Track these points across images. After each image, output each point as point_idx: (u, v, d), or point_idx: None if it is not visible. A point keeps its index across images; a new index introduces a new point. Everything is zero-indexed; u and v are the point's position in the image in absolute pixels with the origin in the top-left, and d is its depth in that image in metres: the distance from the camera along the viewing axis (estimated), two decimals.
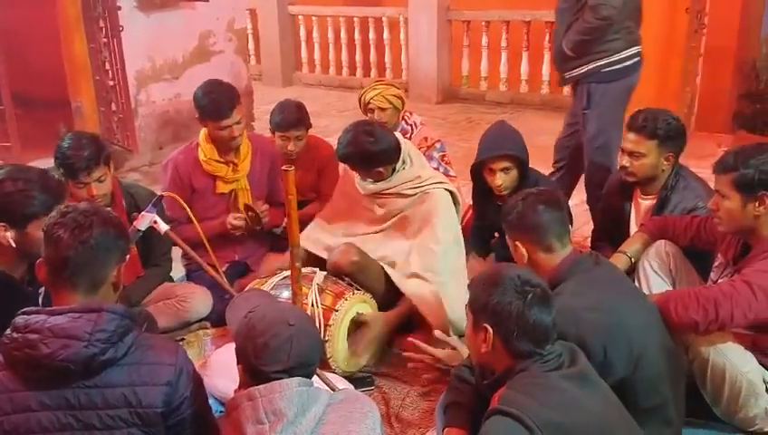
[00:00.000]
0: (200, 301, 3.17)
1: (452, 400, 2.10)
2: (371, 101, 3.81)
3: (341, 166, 3.48)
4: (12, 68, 5.31)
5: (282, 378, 1.70)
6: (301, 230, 3.54)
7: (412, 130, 3.94)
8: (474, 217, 3.58)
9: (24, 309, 1.76)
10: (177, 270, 3.55)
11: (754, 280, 2.20)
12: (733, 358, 2.27)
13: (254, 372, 1.71)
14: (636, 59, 3.66)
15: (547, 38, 7.14)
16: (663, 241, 2.72)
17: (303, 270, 3.03)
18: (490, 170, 3.10)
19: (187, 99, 6.11)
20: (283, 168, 2.18)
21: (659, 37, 6.01)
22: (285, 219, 3.65)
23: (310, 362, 1.79)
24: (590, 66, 3.63)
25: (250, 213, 3.38)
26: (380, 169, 3.05)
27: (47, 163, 5.22)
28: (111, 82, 5.37)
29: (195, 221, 2.58)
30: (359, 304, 2.88)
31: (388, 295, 3.07)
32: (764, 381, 2.32)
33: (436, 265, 3.02)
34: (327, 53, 9.05)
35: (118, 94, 5.35)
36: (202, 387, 1.89)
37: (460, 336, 2.65)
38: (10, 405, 1.67)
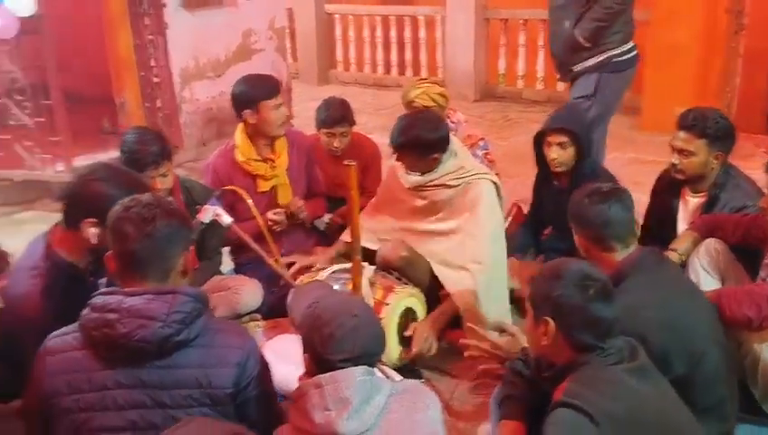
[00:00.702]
0: (251, 293, 3.23)
1: (507, 393, 2.13)
2: (415, 99, 3.85)
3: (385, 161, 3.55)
4: (58, 64, 5.46)
5: (347, 367, 1.75)
6: (344, 227, 3.67)
7: (456, 127, 3.99)
8: (530, 206, 3.62)
9: (102, 290, 1.84)
10: (226, 264, 3.63)
11: None
12: None
13: (321, 361, 1.77)
14: (636, 51, 4.04)
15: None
16: (712, 239, 2.73)
17: (349, 264, 3.11)
18: (548, 144, 3.19)
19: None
20: (345, 162, 2.23)
21: (700, 37, 6.00)
22: (328, 214, 3.79)
23: (373, 351, 1.84)
24: (603, 56, 3.91)
25: (287, 211, 3.45)
26: (436, 156, 3.08)
27: (93, 158, 5.38)
28: (156, 79, 5.47)
29: (257, 213, 2.63)
30: (408, 297, 2.93)
31: (435, 289, 3.11)
32: None
33: (478, 254, 3.05)
34: (363, 51, 9.10)
35: (163, 91, 5.45)
36: (268, 370, 1.95)
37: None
38: (87, 384, 1.74)
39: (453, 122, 3.99)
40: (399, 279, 3.01)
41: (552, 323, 1.81)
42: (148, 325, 1.71)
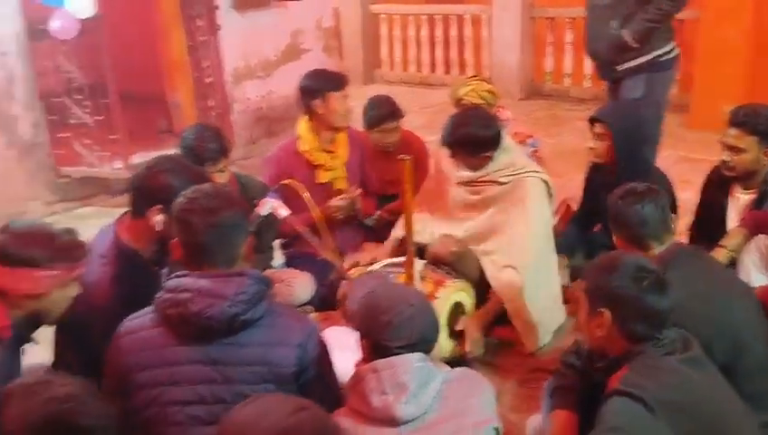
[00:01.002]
0: (304, 286, 3.32)
1: (559, 383, 2.15)
2: (464, 96, 3.89)
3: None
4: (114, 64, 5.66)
5: (403, 353, 1.81)
6: (394, 222, 3.73)
7: (504, 125, 4.01)
8: (580, 202, 3.65)
9: (176, 272, 1.93)
10: (276, 258, 3.72)
11: None
12: None
13: (379, 347, 1.83)
14: (678, 50, 4.06)
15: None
16: (763, 235, 2.72)
17: (401, 259, 3.16)
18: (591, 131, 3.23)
19: (279, 95, 6.41)
20: (399, 157, 2.28)
21: (750, 34, 5.92)
22: (378, 212, 3.85)
23: (429, 338, 1.90)
24: (650, 56, 3.89)
25: (346, 198, 3.52)
26: (488, 154, 3.12)
27: (149, 156, 5.54)
28: (209, 79, 5.63)
29: (313, 206, 2.71)
30: (457, 291, 2.96)
31: (484, 284, 3.14)
32: None
33: (525, 252, 3.07)
34: (408, 50, 9.14)
35: (215, 91, 5.60)
36: (327, 354, 2.03)
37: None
38: (160, 360, 1.84)
39: (501, 120, 4.01)
40: (449, 274, 3.04)
41: (607, 314, 1.83)
42: (217, 304, 1.81)
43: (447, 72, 8.82)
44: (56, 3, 4.44)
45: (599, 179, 3.46)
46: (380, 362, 1.79)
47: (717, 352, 1.98)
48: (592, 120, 3.21)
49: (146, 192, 2.29)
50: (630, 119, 3.25)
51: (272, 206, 2.48)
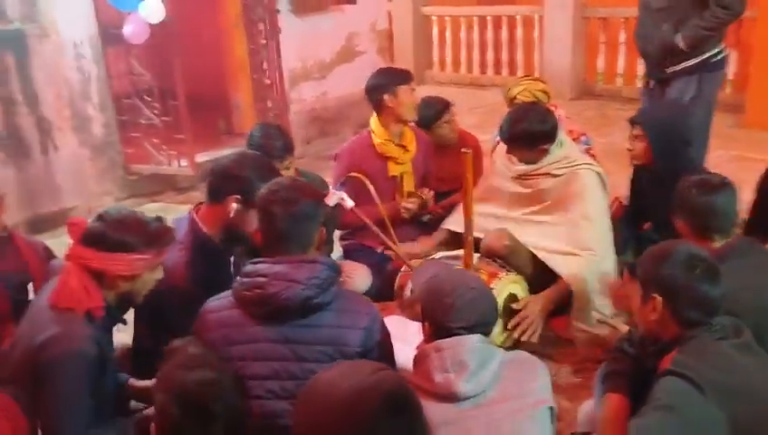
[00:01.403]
0: (362, 277, 3.46)
1: (612, 368, 2.21)
2: (518, 95, 3.99)
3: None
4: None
5: (464, 334, 1.93)
6: (444, 217, 3.85)
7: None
8: (629, 200, 3.71)
9: (252, 260, 2.09)
10: (335, 250, 3.88)
11: None
12: None
13: (441, 328, 1.94)
14: (727, 50, 4.13)
15: None
16: None
17: (456, 252, 3.28)
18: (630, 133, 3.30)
19: (333, 96, 6.61)
20: (462, 150, 2.40)
21: None
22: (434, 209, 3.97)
23: (488, 321, 2.01)
24: (701, 58, 3.93)
25: (417, 198, 3.66)
26: (545, 147, 3.21)
27: (213, 155, 5.78)
28: (268, 81, 5.83)
29: (378, 200, 2.84)
30: (511, 284, 3.05)
31: (537, 277, 3.21)
32: None
33: (587, 241, 3.14)
34: (459, 52, 9.22)
35: (274, 92, 5.80)
36: (389, 338, 2.16)
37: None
38: (241, 336, 2.01)
39: None
40: (503, 267, 3.15)
41: (659, 299, 1.90)
42: (293, 287, 1.96)
43: (498, 72, 8.88)
44: (129, 8, 4.68)
45: (645, 179, 3.52)
46: (444, 342, 1.91)
47: (766, 338, 2.03)
48: (631, 122, 3.28)
49: (227, 181, 2.47)
50: (668, 120, 3.28)
51: (339, 197, 2.62)
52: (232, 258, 2.68)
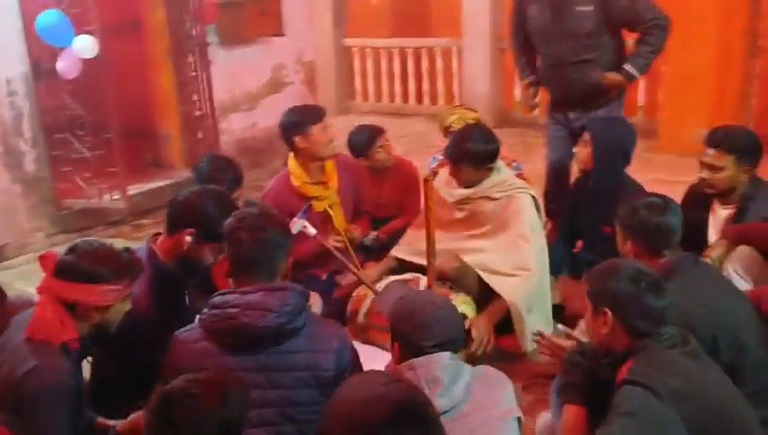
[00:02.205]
0: (314, 305, 3.48)
1: (567, 381, 2.32)
2: (453, 123, 4.17)
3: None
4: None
5: (435, 352, 2.01)
6: (390, 243, 3.96)
7: None
8: (564, 220, 3.93)
9: (220, 291, 2.12)
10: None
11: None
12: None
13: (413, 347, 2.01)
14: None
15: None
16: (745, 247, 2.94)
17: (406, 275, 3.39)
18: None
19: (262, 127, 6.63)
20: (424, 177, 2.50)
21: (716, 60, 6.23)
22: (373, 232, 4.06)
23: (457, 338, 2.09)
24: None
25: (347, 236, 3.70)
26: (490, 166, 3.35)
27: (143, 187, 5.69)
28: (199, 112, 5.81)
29: (339, 228, 2.87)
30: (462, 304, 3.17)
31: (483, 297, 3.36)
32: None
33: (525, 261, 3.31)
34: (380, 82, 9.43)
35: (205, 124, 5.78)
36: (359, 358, 2.23)
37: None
38: (213, 368, 2.01)
39: None
40: (452, 288, 3.27)
41: (609, 313, 2.04)
42: (267, 315, 2.00)
43: (420, 102, 9.15)
44: (62, 43, 4.60)
45: (580, 197, 3.74)
46: (416, 361, 1.98)
47: (722, 351, 2.19)
48: (581, 128, 3.50)
49: (185, 213, 2.50)
50: (616, 132, 3.51)
51: (302, 225, 2.68)
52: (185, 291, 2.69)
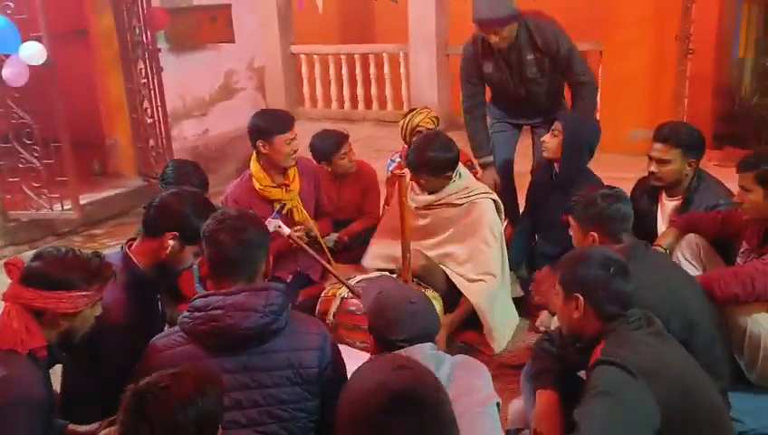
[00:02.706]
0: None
1: (540, 367, 2.44)
2: (421, 123, 4.25)
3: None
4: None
5: (405, 346, 2.06)
6: (352, 244, 4.01)
7: None
8: (523, 214, 4.06)
9: (201, 293, 2.13)
10: None
11: None
12: (767, 326, 2.68)
13: (384, 341, 2.08)
14: None
15: None
16: (692, 234, 3.12)
17: (375, 274, 3.45)
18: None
19: (215, 133, 6.60)
20: (397, 172, 2.56)
21: (651, 63, 6.55)
22: (334, 233, 4.10)
23: (429, 332, 2.14)
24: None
25: (303, 229, 3.69)
26: (449, 174, 3.44)
27: (92, 197, 5.57)
28: (150, 120, 5.73)
29: (312, 223, 2.90)
30: (432, 299, 3.24)
31: (449, 295, 3.46)
32: None
33: (489, 266, 3.42)
34: (329, 88, 9.46)
35: (157, 131, 5.70)
36: (340, 354, 2.25)
37: None
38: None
39: None
40: (420, 285, 3.34)
41: (581, 298, 2.14)
42: (251, 316, 2.01)
43: (369, 107, 9.21)
44: (8, 50, 4.48)
45: (540, 189, 3.87)
46: (402, 352, 2.03)
47: (674, 330, 2.31)
48: (554, 118, 3.66)
49: (166, 217, 2.48)
50: (586, 126, 3.64)
51: (276, 225, 2.69)
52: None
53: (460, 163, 3.59)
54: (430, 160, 3.40)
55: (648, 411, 1.87)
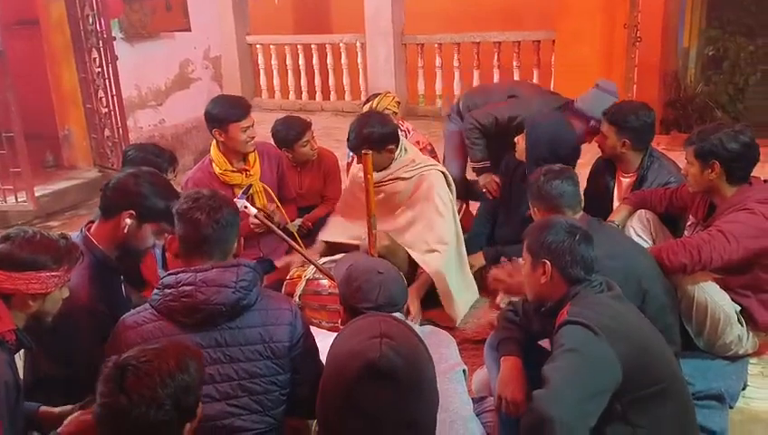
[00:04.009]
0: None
1: (504, 336, 2.53)
2: (389, 105, 4.36)
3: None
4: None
5: (371, 313, 2.09)
6: (315, 229, 4.05)
7: (406, 134, 4.48)
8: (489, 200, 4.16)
9: (171, 271, 2.14)
10: None
11: (726, 228, 2.76)
12: (712, 294, 2.82)
13: (351, 309, 2.13)
14: None
15: (496, 57, 7.86)
16: (643, 210, 3.27)
17: (337, 256, 3.49)
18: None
19: (171, 123, 6.54)
20: (363, 152, 2.61)
21: (601, 51, 6.75)
22: (299, 219, 4.14)
23: (395, 302, 2.17)
24: None
25: (263, 213, 3.74)
26: (391, 147, 3.53)
27: (47, 189, 5.47)
28: (105, 110, 5.65)
29: (276, 201, 2.98)
30: None
31: (411, 274, 3.52)
32: (736, 313, 2.89)
33: (443, 235, 3.53)
34: (286, 79, 9.45)
35: (113, 120, 5.63)
36: (310, 330, 2.30)
37: None
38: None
39: (403, 130, 4.48)
40: None
41: (548, 263, 2.24)
42: (222, 291, 2.04)
43: (327, 98, 9.23)
44: None
45: (508, 182, 3.96)
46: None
47: (628, 297, 2.40)
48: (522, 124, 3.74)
49: (121, 196, 2.47)
50: (544, 125, 3.68)
51: (243, 205, 2.72)
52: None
53: (404, 139, 3.69)
54: (368, 136, 3.46)
55: (610, 366, 1.97)
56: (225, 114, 3.58)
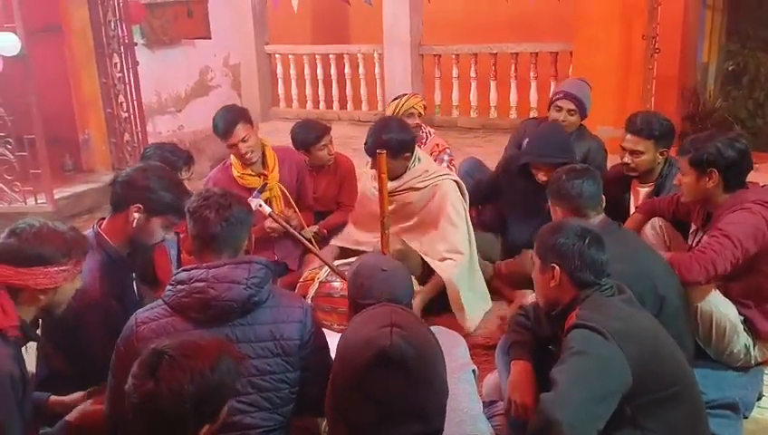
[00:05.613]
0: None
1: (514, 339, 2.52)
2: (415, 106, 4.37)
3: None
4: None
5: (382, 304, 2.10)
6: (329, 236, 4.07)
7: (427, 137, 4.55)
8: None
9: (184, 267, 2.16)
10: None
11: (730, 231, 2.74)
12: (717, 304, 2.81)
13: (355, 305, 2.14)
14: None
15: (513, 68, 7.87)
16: (656, 218, 3.26)
17: (350, 259, 3.51)
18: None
19: (189, 130, 6.60)
20: (377, 151, 2.61)
21: (618, 62, 6.70)
22: (314, 226, 4.16)
23: (399, 299, 2.14)
24: None
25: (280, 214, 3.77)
26: (408, 155, 3.53)
27: (66, 192, 5.53)
28: (125, 115, 5.72)
29: (294, 206, 2.99)
30: None
31: (425, 278, 3.55)
32: (741, 323, 2.86)
33: (457, 244, 3.52)
34: (304, 88, 9.49)
35: (132, 125, 5.69)
36: (321, 327, 2.31)
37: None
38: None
39: (424, 132, 4.56)
40: None
41: (557, 267, 2.22)
42: (234, 288, 2.05)
43: (344, 107, 9.27)
44: None
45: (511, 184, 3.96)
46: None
47: (647, 301, 2.41)
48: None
49: (130, 190, 2.51)
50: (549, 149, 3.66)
51: (258, 203, 2.73)
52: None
53: (418, 148, 3.69)
54: (387, 141, 3.45)
55: (619, 368, 1.96)
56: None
